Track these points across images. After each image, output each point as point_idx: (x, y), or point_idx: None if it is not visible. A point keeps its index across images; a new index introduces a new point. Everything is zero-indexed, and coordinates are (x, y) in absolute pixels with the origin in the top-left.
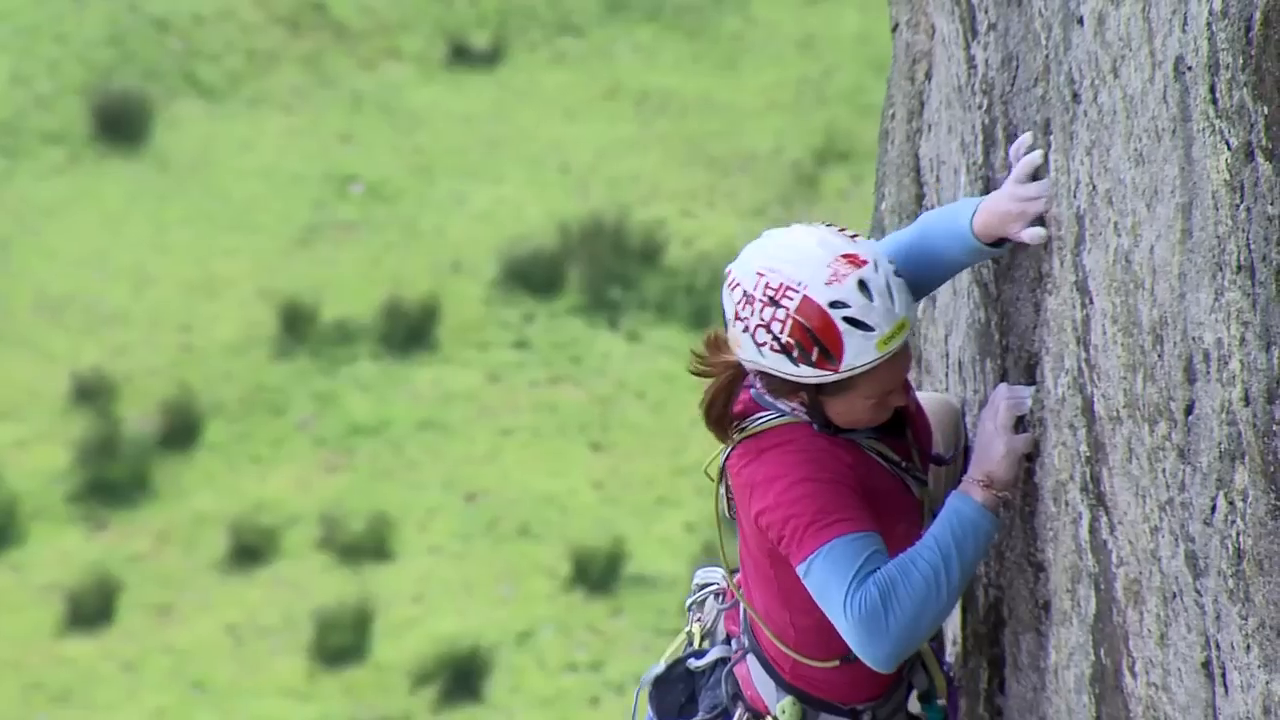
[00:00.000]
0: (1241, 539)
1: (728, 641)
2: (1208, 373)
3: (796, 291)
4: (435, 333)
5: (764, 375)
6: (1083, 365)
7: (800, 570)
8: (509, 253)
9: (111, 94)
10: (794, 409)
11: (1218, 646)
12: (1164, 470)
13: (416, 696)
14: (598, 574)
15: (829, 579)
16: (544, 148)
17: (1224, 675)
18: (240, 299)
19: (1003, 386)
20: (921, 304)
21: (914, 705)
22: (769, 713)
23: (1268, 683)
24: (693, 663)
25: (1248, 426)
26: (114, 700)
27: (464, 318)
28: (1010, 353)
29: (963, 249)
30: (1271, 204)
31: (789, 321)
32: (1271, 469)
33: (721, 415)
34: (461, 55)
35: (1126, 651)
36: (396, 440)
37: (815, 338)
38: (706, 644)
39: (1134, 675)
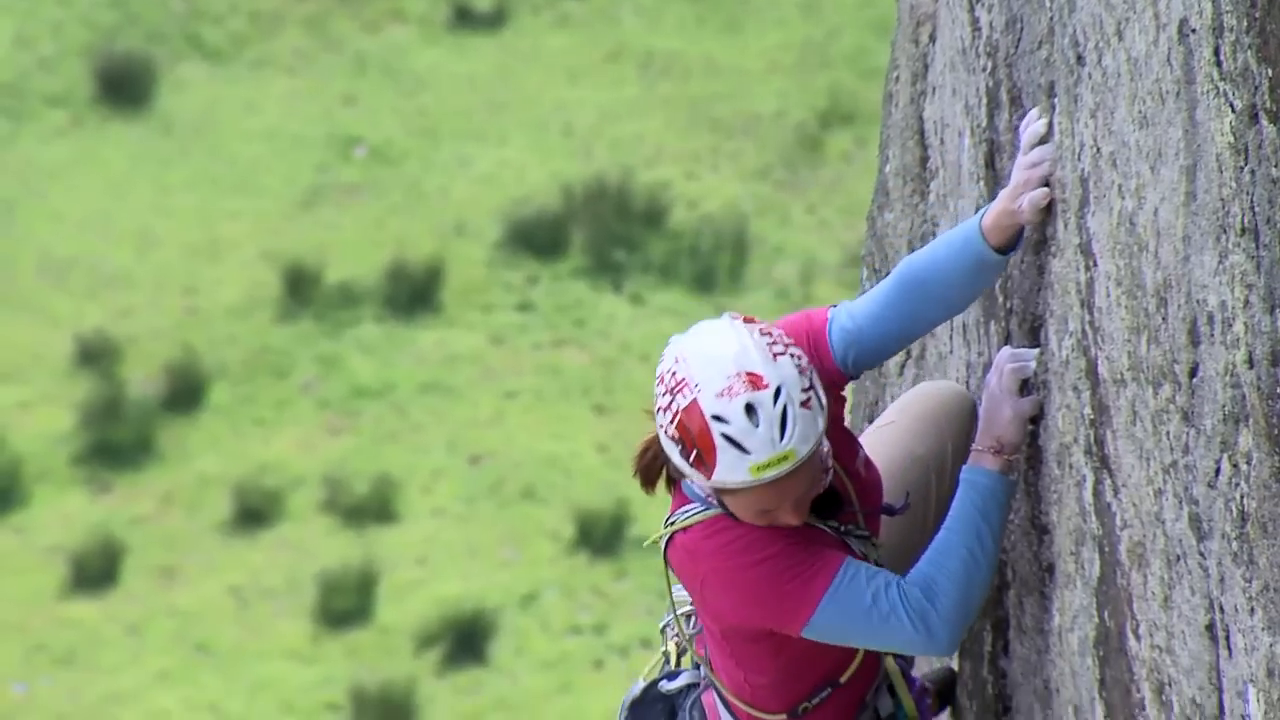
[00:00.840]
0: (1245, 502)
1: (698, 666)
2: (1212, 335)
3: (690, 392)
4: (439, 295)
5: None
6: (1086, 328)
7: (808, 634)
8: (512, 215)
9: (115, 56)
10: (705, 493)
11: (1221, 609)
12: (1168, 433)
13: (420, 659)
14: (602, 537)
15: (849, 621)
16: (547, 110)
17: (1228, 638)
18: (244, 261)
19: (1006, 349)
20: None
21: None
22: None
23: (1271, 645)
24: (665, 685)
25: (1252, 389)
26: (118, 662)
27: (467, 280)
28: (1014, 315)
29: (972, 259)
30: (1276, 166)
31: (676, 416)
32: (1276, 432)
33: (648, 468)
34: (465, 18)
35: (1130, 614)
36: (400, 403)
37: (694, 441)
38: (685, 662)
39: (1137, 638)
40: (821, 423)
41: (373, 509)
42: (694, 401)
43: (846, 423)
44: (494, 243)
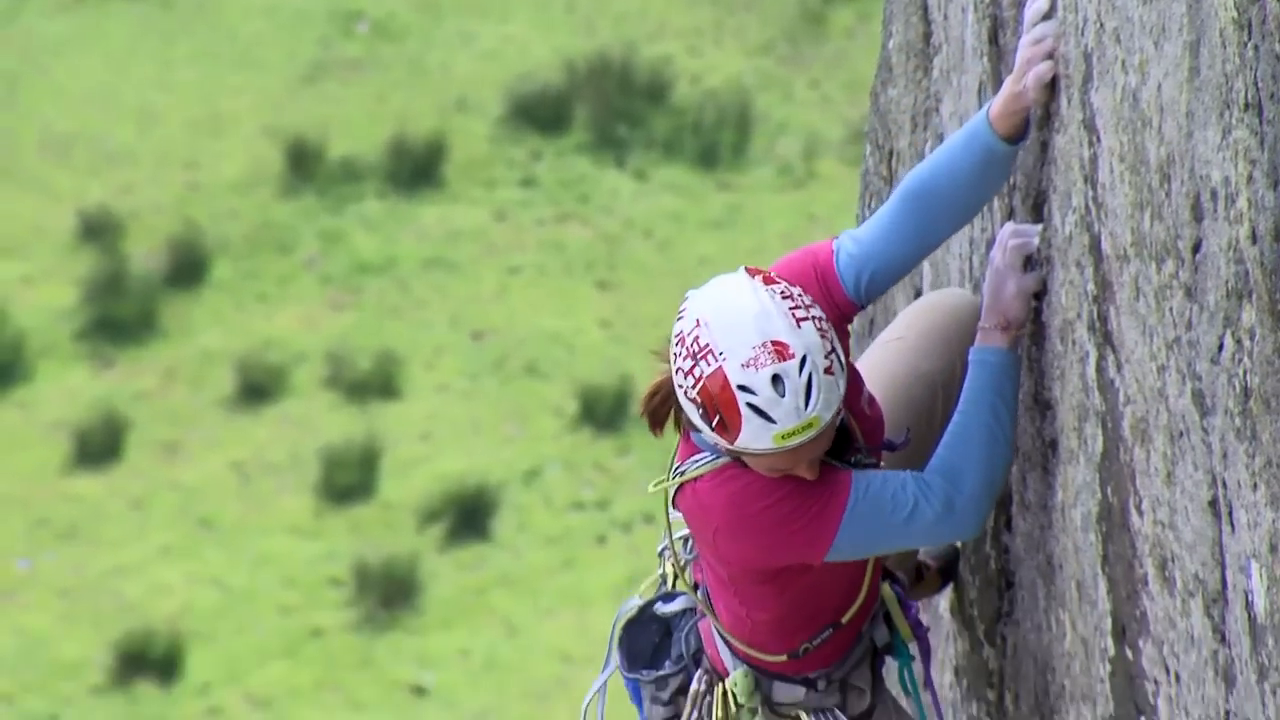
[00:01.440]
0: (1249, 377)
1: (696, 588)
2: (1215, 211)
3: (715, 359)
4: (442, 171)
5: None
6: (1090, 203)
7: (833, 557)
8: (515, 90)
9: None
10: (717, 446)
11: (1224, 485)
12: (1171, 309)
13: (423, 534)
14: (605, 412)
15: (872, 531)
16: None
17: (1231, 513)
18: (246, 137)
19: (1010, 225)
20: (929, 144)
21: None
22: (728, 675)
23: (1274, 520)
24: (661, 607)
25: (1255, 265)
26: (121, 537)
27: (471, 156)
28: (1017, 191)
29: (980, 153)
30: (1279, 42)
31: (700, 383)
32: (1278, 307)
33: (656, 411)
34: None
35: (1133, 490)
36: (403, 278)
37: (718, 408)
38: (682, 584)
39: (1140, 514)
40: (842, 386)
41: (376, 385)
42: (719, 369)
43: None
44: (497, 118)
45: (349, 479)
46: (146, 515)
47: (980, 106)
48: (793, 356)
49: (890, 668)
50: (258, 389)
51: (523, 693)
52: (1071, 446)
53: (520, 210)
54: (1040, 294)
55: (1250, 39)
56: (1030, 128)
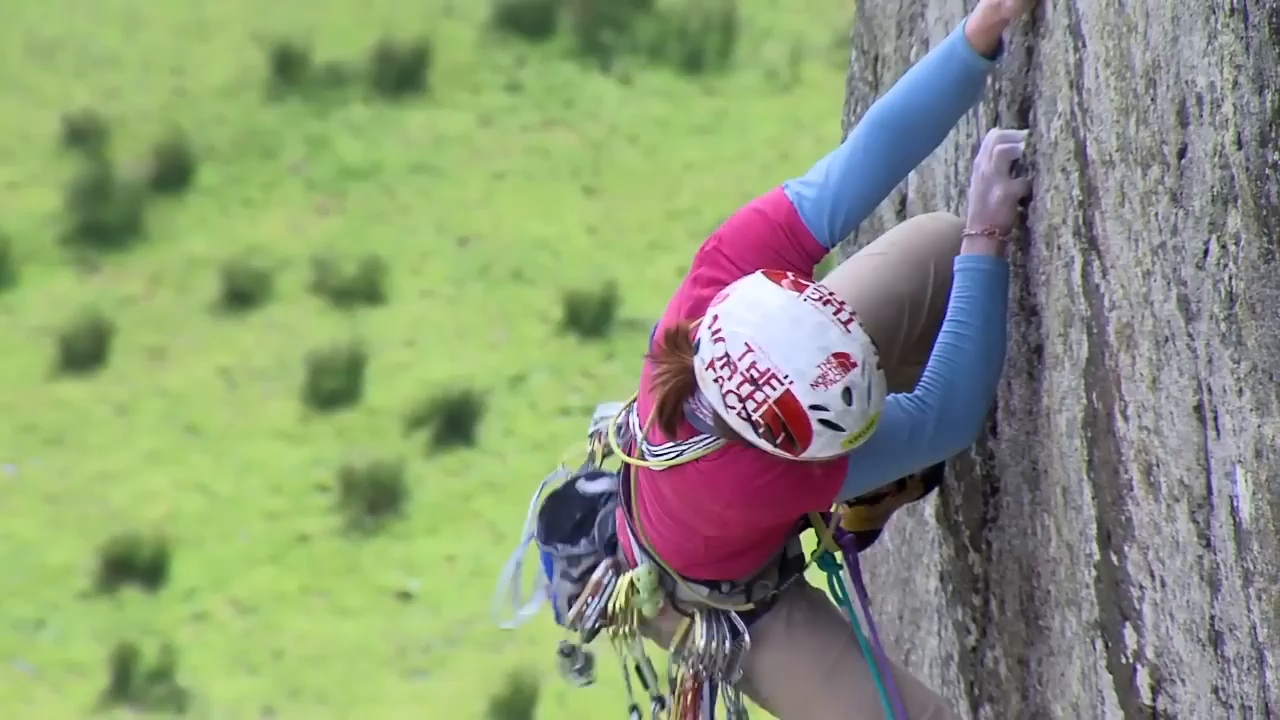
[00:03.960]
0: (1234, 282)
1: (617, 474)
2: (1200, 116)
3: (781, 384)
4: (427, 76)
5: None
6: (1075, 109)
7: (843, 496)
8: None
9: None
10: (714, 426)
11: (1209, 390)
12: (1156, 214)
13: (409, 440)
14: (590, 318)
15: (879, 464)
16: None
17: (1215, 419)
18: (232, 41)
19: (995, 131)
20: (914, 49)
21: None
22: (635, 568)
23: (1259, 426)
24: (583, 485)
25: (1240, 170)
26: (107, 443)
27: (456, 61)
28: (1003, 96)
29: (957, 70)
30: None
31: (765, 407)
32: (1264, 212)
33: (673, 415)
34: None
35: (1118, 395)
36: (388, 184)
37: (786, 428)
38: (605, 466)
39: (1125, 419)
40: (884, 376)
41: (361, 290)
42: (787, 393)
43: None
44: (482, 23)
45: (335, 385)
46: (132, 421)
47: (965, 11)
48: (855, 365)
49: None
50: (243, 294)
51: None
52: (1057, 352)
53: (506, 116)
54: (1026, 200)
55: None
56: (1005, 42)
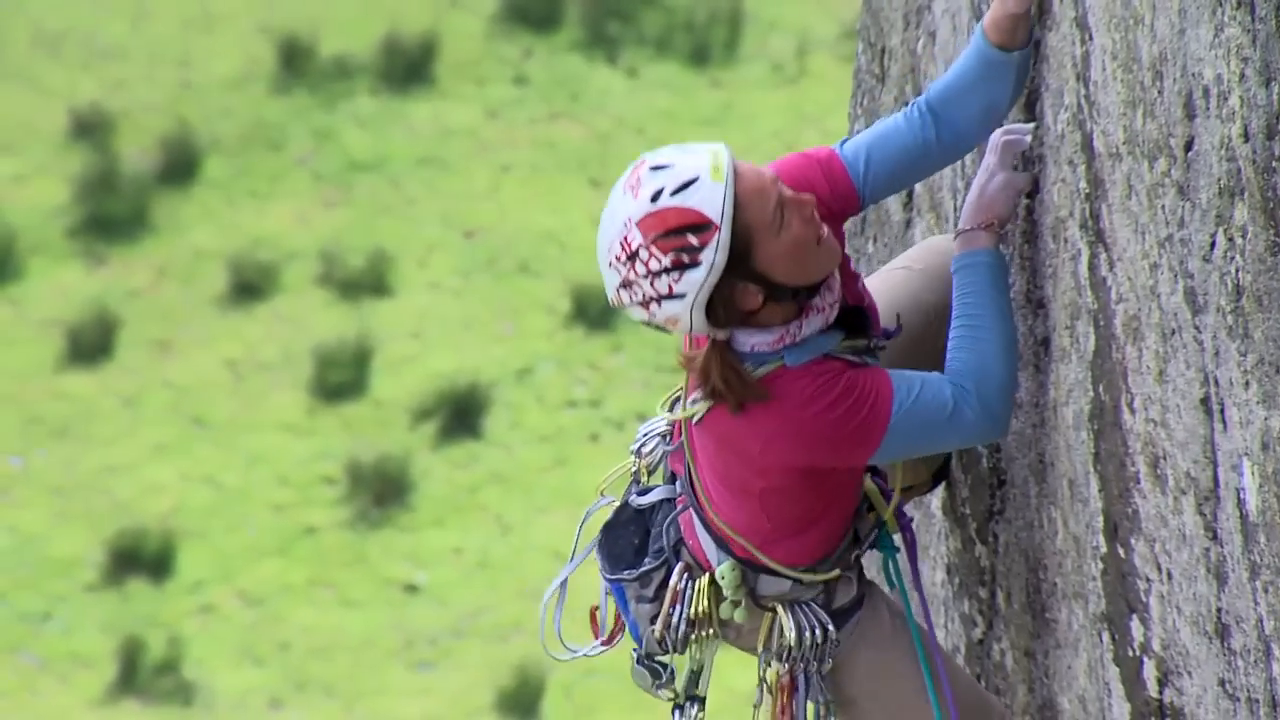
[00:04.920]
0: (1241, 275)
1: (673, 481)
2: (1207, 109)
3: (628, 229)
4: (434, 68)
5: (722, 321)
6: (1082, 101)
7: (878, 457)
8: None
9: None
10: (758, 339)
11: (1216, 383)
12: (1163, 207)
13: (416, 432)
14: (597, 310)
15: (916, 431)
16: None
17: (1222, 411)
18: (239, 34)
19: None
20: (921, 42)
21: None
22: (710, 568)
23: (1266, 419)
24: (635, 499)
25: (1247, 163)
26: (114, 435)
27: (462, 53)
28: None
29: (980, 63)
30: None
31: (650, 249)
32: (1271, 205)
33: (736, 380)
34: None
35: (1125, 388)
36: (395, 176)
37: (674, 230)
38: (653, 481)
39: (1133, 411)
40: None
41: (368, 282)
42: (635, 222)
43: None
44: (489, 16)
45: (341, 377)
46: (139, 413)
47: (971, 4)
48: (639, 163)
49: (873, 560)
50: (250, 287)
51: (515, 591)
52: (1064, 344)
53: (512, 108)
54: (1032, 192)
55: None
56: (1031, 35)
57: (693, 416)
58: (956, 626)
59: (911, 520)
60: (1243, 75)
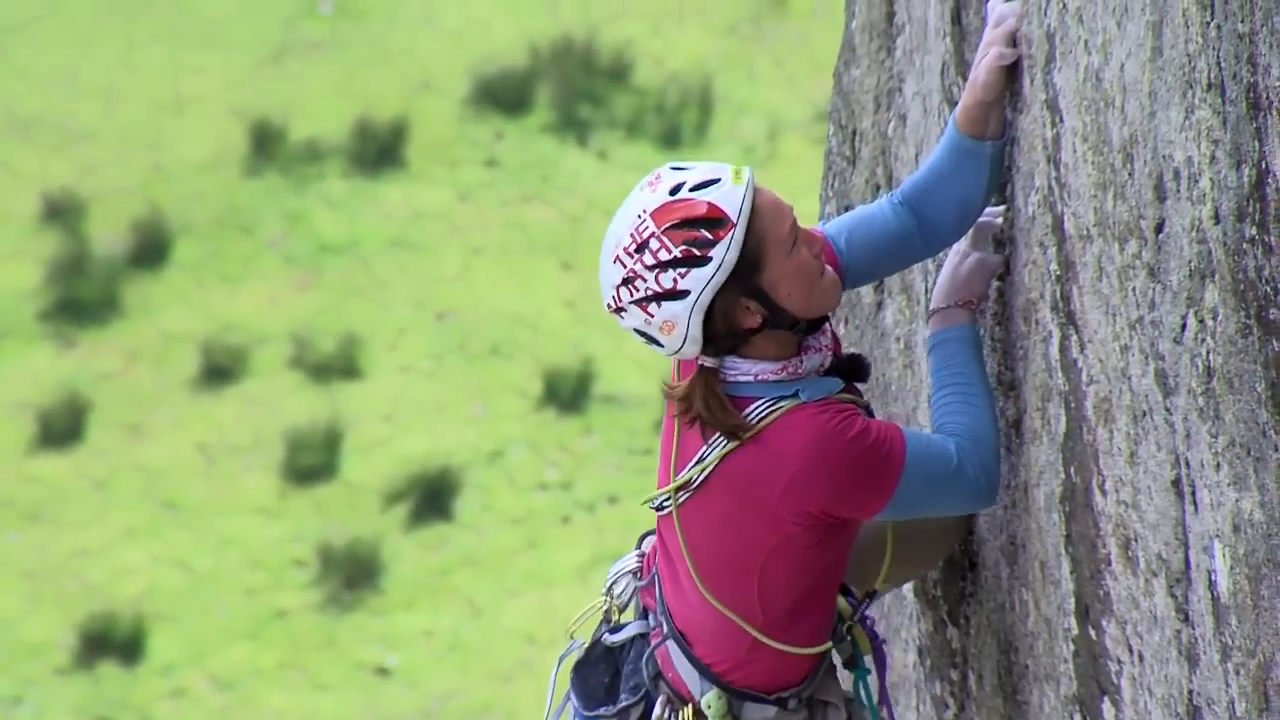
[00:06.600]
0: (1211, 357)
1: (645, 616)
2: (1178, 191)
3: (642, 219)
4: (405, 151)
5: (716, 339)
6: (1053, 184)
7: (889, 510)
8: (479, 71)
9: None
10: (762, 367)
11: (1188, 464)
12: (1134, 289)
13: (387, 515)
14: (568, 393)
15: (926, 485)
16: None
17: (1194, 493)
18: (210, 117)
19: None
20: (892, 124)
21: (843, 676)
22: (692, 699)
23: (1237, 500)
24: (608, 637)
25: (1218, 244)
26: (85, 518)
27: (434, 136)
28: None
29: (952, 152)
30: (1242, 21)
31: (662, 238)
32: (1242, 287)
33: (718, 407)
34: None
35: (1097, 470)
36: (366, 258)
37: (690, 221)
38: (623, 618)
39: (1104, 493)
40: None
41: (339, 365)
42: (651, 213)
43: None
44: (460, 99)
45: (312, 460)
46: (110, 496)
47: (943, 87)
48: (664, 170)
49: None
50: (221, 370)
51: (487, 674)
52: (1035, 426)
53: (483, 190)
54: (1003, 274)
55: (1213, 19)
56: (1005, 127)
57: (705, 469)
58: (928, 709)
59: (883, 641)
60: (1213, 157)
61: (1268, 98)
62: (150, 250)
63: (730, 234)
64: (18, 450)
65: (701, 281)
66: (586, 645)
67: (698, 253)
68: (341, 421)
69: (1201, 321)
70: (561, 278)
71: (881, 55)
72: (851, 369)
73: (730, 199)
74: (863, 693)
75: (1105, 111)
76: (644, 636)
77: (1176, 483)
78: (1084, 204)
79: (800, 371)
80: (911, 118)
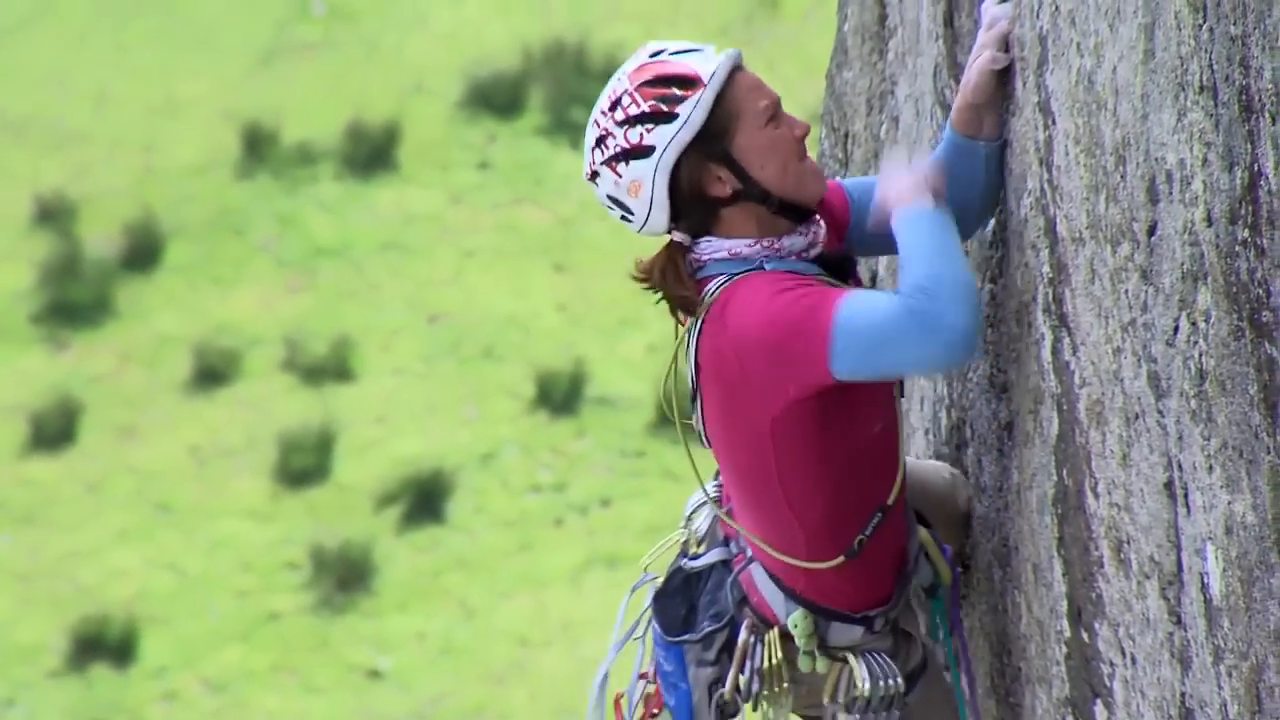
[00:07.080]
0: (1204, 359)
1: (726, 544)
2: (1170, 193)
3: (620, 80)
4: (397, 153)
5: (685, 209)
6: (1045, 186)
7: (837, 366)
8: (471, 73)
9: None
10: (735, 242)
11: (1180, 467)
12: (1126, 291)
13: (379, 517)
14: (561, 395)
15: (867, 321)
16: None
17: (1186, 496)
18: (202, 120)
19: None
20: (884, 127)
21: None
22: (778, 622)
23: (1229, 503)
24: (686, 563)
25: (1210, 247)
26: (77, 521)
27: (426, 138)
28: None
29: (951, 150)
30: (1234, 24)
31: (633, 94)
32: (1234, 289)
33: (674, 277)
34: None
35: (1089, 472)
36: (359, 261)
37: (661, 79)
38: (701, 549)
39: (1096, 496)
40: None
41: (331, 368)
42: (630, 75)
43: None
44: (453, 101)
45: (305, 462)
46: (102, 499)
47: (935, 89)
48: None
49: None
50: (213, 372)
51: (479, 676)
52: (1027, 429)
53: (476, 193)
54: (996, 277)
55: (1205, 21)
56: (1001, 130)
57: (691, 361)
58: None
59: (960, 572)
60: (1205, 160)
61: (1260, 100)
62: (142, 252)
63: (699, 93)
64: (10, 452)
65: (666, 138)
66: (667, 574)
67: (665, 109)
68: (334, 424)
69: (1194, 324)
70: (554, 280)
71: (874, 58)
72: (839, 265)
73: (705, 63)
74: (937, 620)
75: (1098, 114)
76: (725, 564)
77: (1169, 485)
78: (1076, 206)
79: (778, 247)
80: (904, 120)
